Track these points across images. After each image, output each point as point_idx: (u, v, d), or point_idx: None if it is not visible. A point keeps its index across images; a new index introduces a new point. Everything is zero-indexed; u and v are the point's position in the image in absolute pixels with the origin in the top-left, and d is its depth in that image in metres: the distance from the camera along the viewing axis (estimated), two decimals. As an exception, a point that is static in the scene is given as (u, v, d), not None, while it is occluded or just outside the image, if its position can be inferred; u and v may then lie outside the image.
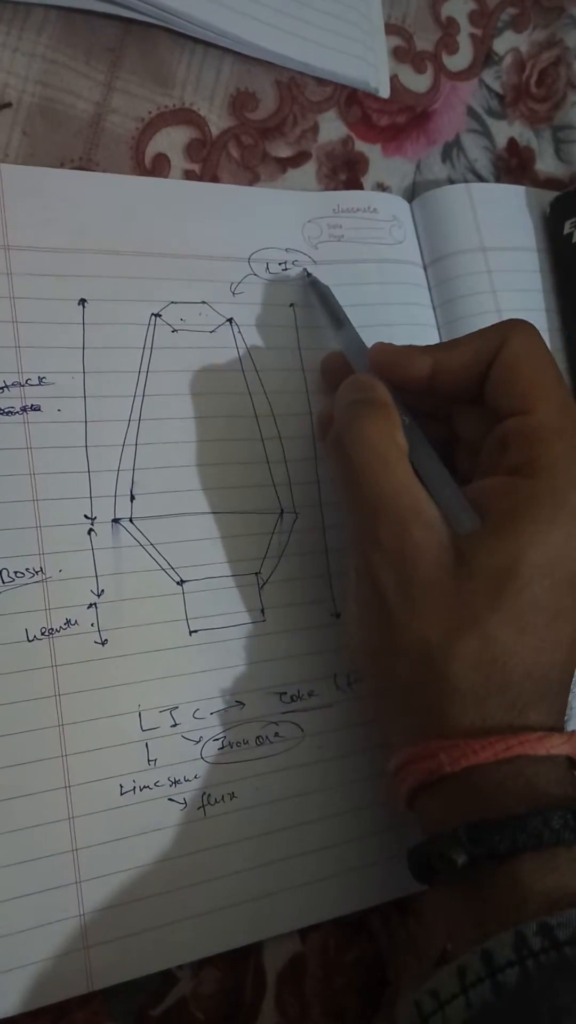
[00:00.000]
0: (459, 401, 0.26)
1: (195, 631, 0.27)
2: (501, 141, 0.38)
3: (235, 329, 0.29)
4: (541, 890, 0.20)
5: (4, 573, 0.25)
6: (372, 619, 0.24)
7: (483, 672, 0.22)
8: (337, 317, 0.29)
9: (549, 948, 0.18)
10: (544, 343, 0.25)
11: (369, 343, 0.27)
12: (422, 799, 0.23)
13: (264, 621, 0.28)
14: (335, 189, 0.33)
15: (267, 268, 0.31)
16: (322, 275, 0.31)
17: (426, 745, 0.22)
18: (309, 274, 0.31)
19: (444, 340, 0.33)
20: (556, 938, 0.18)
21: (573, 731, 0.22)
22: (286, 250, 0.31)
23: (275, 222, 0.31)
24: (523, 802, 0.21)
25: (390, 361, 0.26)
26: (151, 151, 0.31)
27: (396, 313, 0.32)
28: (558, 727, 0.23)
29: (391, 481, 0.23)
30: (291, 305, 0.31)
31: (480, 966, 0.19)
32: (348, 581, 0.26)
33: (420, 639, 0.22)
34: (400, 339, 0.31)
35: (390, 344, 0.27)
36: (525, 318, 0.32)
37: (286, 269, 0.31)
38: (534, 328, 0.25)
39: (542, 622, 0.22)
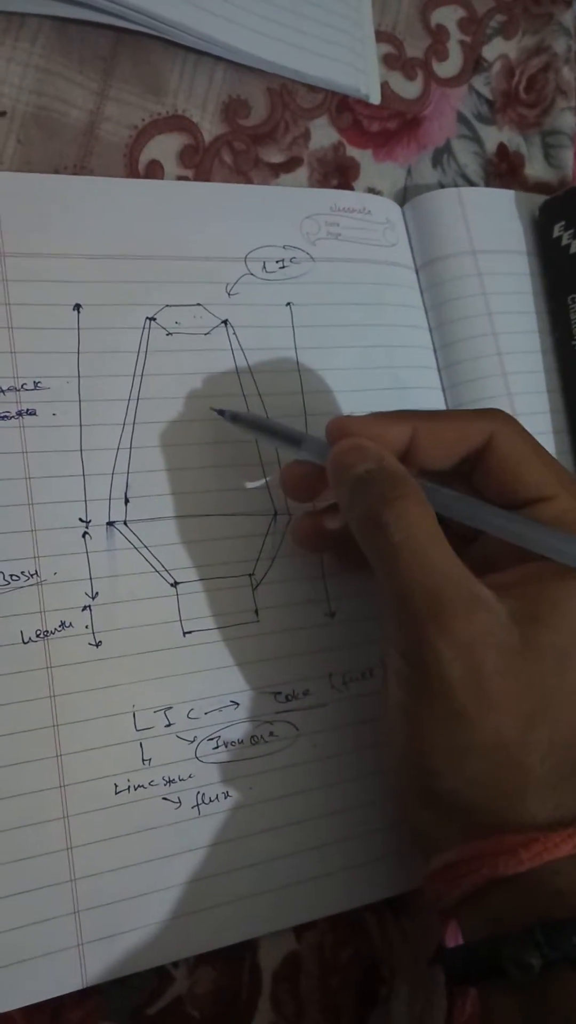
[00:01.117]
0: (432, 474, 0.25)
1: (189, 632, 0.27)
2: (491, 146, 0.38)
3: (230, 331, 0.30)
4: None
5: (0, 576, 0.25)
6: (433, 718, 0.21)
7: (555, 758, 0.21)
8: (290, 436, 0.26)
9: None
10: (530, 435, 0.25)
11: (370, 342, 0.27)
12: (477, 899, 0.21)
13: (258, 621, 0.28)
14: (327, 194, 0.34)
15: (264, 267, 0.31)
16: (322, 272, 0.31)
17: (496, 841, 0.21)
18: (221, 412, 0.27)
19: (438, 343, 0.33)
20: None
21: None
22: (284, 247, 0.31)
23: (271, 220, 0.31)
24: None
25: (359, 426, 0.24)
26: (144, 158, 0.31)
27: (392, 314, 0.32)
28: None
29: (448, 568, 0.21)
30: (288, 304, 0.31)
31: None
32: (386, 680, 0.23)
33: (495, 733, 0.21)
34: (398, 338, 0.32)
35: (358, 416, 0.24)
36: (515, 321, 0.33)
37: (284, 267, 0.31)
38: (514, 419, 0.25)
39: None
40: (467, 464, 0.25)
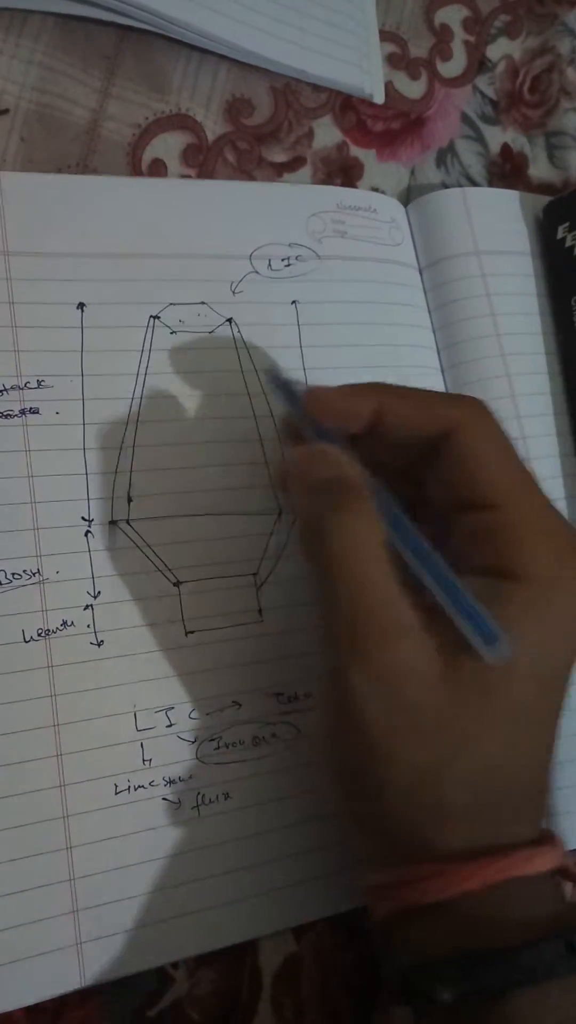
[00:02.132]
0: (401, 454, 0.24)
1: (191, 632, 0.27)
2: (495, 147, 0.38)
3: (235, 329, 0.30)
4: None
5: (2, 575, 0.25)
6: (351, 744, 0.21)
7: (472, 791, 0.20)
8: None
9: None
10: (502, 428, 0.23)
11: (376, 341, 0.27)
12: (401, 924, 0.21)
13: (261, 622, 0.28)
14: (331, 194, 0.34)
15: (269, 265, 0.30)
16: (328, 270, 0.31)
17: (410, 870, 0.21)
18: (268, 372, 0.26)
19: (442, 343, 0.33)
20: None
21: (553, 837, 0.21)
22: (289, 245, 0.31)
23: (277, 217, 0.31)
24: (513, 930, 0.20)
25: (331, 402, 0.23)
26: (147, 157, 0.31)
27: (398, 313, 0.32)
28: (539, 836, 0.21)
29: (375, 591, 0.20)
30: (293, 302, 0.31)
31: None
32: (321, 690, 0.23)
33: (410, 768, 0.20)
34: (403, 338, 0.32)
35: (328, 387, 0.24)
36: (519, 322, 0.33)
37: (289, 264, 0.31)
38: (490, 411, 0.23)
39: (525, 729, 0.21)
40: (432, 450, 0.23)
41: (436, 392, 0.23)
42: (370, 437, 0.23)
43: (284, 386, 0.25)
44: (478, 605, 0.20)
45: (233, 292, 0.30)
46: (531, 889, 0.20)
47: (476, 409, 0.23)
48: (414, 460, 0.24)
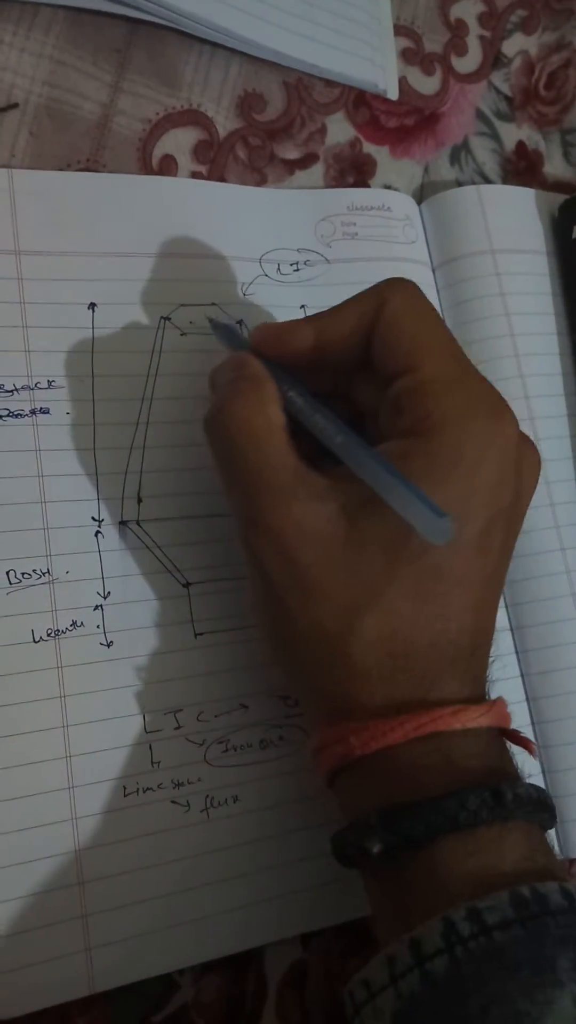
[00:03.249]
0: (349, 371, 0.25)
1: (200, 633, 0.27)
2: (509, 144, 0.37)
3: (245, 331, 0.29)
4: (465, 873, 0.19)
5: (11, 574, 0.25)
6: (265, 607, 0.22)
7: (385, 648, 0.21)
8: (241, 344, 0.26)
9: (478, 934, 0.18)
10: (426, 299, 0.24)
11: None
12: (339, 783, 0.22)
13: (269, 624, 0.28)
14: (344, 190, 0.33)
15: (278, 269, 0.30)
16: (336, 273, 0.31)
17: (337, 728, 0.21)
18: (212, 320, 0.28)
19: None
20: (485, 923, 0.18)
21: (494, 700, 0.22)
22: (298, 250, 0.31)
23: (287, 222, 0.31)
24: (440, 781, 0.20)
25: (271, 335, 0.24)
26: (158, 152, 0.31)
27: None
28: (476, 697, 0.22)
29: (264, 455, 0.22)
30: (302, 306, 0.30)
31: (408, 955, 0.18)
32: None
33: (316, 624, 0.21)
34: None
35: (271, 323, 0.25)
36: (534, 322, 0.33)
37: (298, 269, 0.31)
38: (414, 285, 0.24)
39: (443, 589, 0.21)
40: (367, 349, 0.24)
41: (361, 293, 0.24)
42: (313, 370, 0.24)
43: (225, 329, 0.26)
44: (401, 479, 0.20)
45: (244, 294, 0.30)
46: (461, 743, 0.21)
47: (400, 283, 0.24)
48: (354, 376, 0.25)
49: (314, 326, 0.24)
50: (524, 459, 0.23)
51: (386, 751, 0.21)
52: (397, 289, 0.23)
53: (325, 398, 0.24)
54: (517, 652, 0.31)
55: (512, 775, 0.21)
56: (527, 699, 0.30)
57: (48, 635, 0.25)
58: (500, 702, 0.22)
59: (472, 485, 0.21)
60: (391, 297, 0.23)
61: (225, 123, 0.32)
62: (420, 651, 0.21)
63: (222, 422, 0.23)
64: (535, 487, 0.24)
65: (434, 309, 0.24)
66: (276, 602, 0.22)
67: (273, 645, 0.23)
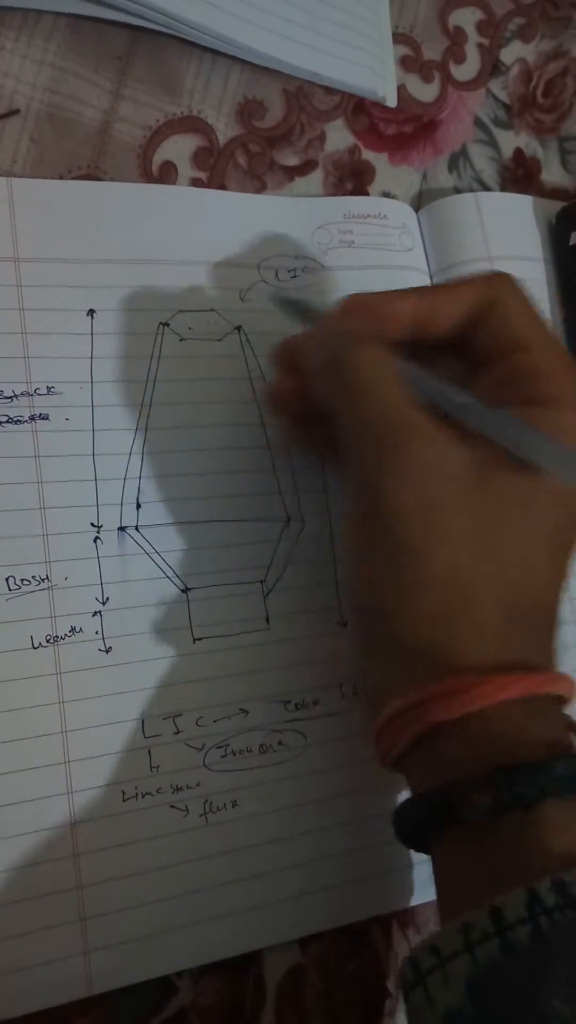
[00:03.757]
0: (435, 348, 0.25)
1: (199, 639, 0.27)
2: (507, 151, 0.38)
3: (243, 337, 0.29)
4: (561, 844, 0.19)
5: (11, 580, 0.25)
6: (383, 550, 0.21)
7: (507, 601, 0.21)
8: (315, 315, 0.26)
9: (564, 905, 0.17)
10: (531, 297, 0.24)
11: None
12: (428, 748, 0.21)
13: (269, 629, 0.28)
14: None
15: (276, 275, 0.31)
16: (332, 282, 0.31)
17: (443, 684, 0.20)
18: (279, 297, 0.28)
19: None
20: (570, 895, 0.17)
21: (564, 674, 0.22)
22: (295, 257, 0.31)
23: (284, 229, 0.31)
24: (541, 746, 0.20)
25: (367, 307, 0.24)
26: (158, 159, 0.31)
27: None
28: (550, 663, 0.22)
29: (401, 395, 0.22)
30: None
31: (488, 923, 0.18)
32: (344, 533, 0.24)
33: (445, 566, 0.20)
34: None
35: (364, 293, 0.25)
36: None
37: (295, 276, 0.31)
38: (522, 285, 0.24)
39: (546, 555, 0.21)
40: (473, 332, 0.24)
41: (467, 276, 0.24)
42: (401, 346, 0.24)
43: (295, 304, 0.26)
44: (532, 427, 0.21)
45: (242, 300, 0.30)
46: (555, 709, 0.21)
47: (513, 286, 0.24)
48: (435, 346, 0.24)
49: (413, 305, 0.24)
50: None
51: (491, 710, 0.20)
52: (508, 291, 0.24)
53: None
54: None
55: None
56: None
57: (47, 641, 0.25)
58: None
59: None
60: (503, 298, 0.23)
61: (225, 130, 0.32)
62: (527, 611, 0.21)
63: (354, 363, 0.22)
64: None
65: (537, 306, 0.24)
66: (403, 545, 0.21)
67: (384, 597, 0.21)
